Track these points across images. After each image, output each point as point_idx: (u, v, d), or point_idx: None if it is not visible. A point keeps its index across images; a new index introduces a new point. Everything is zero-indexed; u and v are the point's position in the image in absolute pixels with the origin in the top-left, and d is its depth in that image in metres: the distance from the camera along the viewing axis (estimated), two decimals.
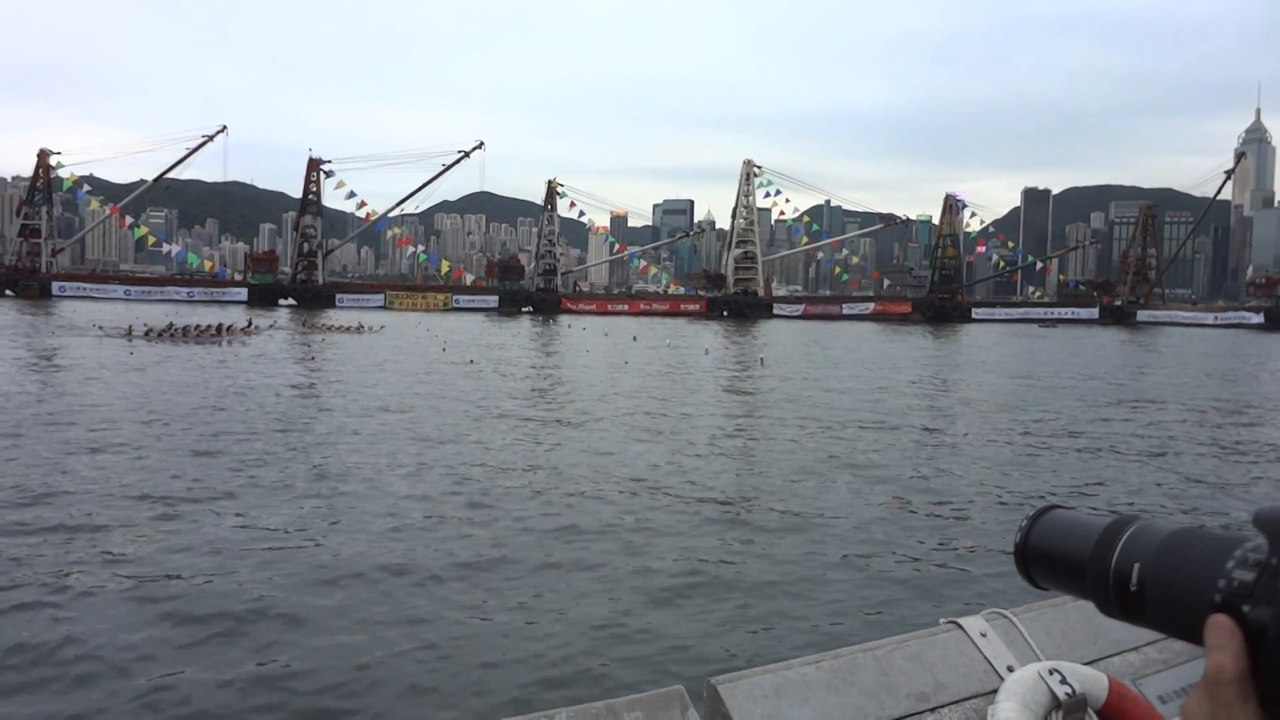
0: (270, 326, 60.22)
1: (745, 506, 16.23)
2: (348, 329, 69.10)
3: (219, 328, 56.80)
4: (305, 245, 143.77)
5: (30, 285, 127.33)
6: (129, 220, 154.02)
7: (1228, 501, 17.62)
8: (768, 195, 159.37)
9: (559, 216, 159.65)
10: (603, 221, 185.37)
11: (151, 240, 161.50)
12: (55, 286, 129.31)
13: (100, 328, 55.92)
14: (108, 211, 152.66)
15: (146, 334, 52.76)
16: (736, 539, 14.04)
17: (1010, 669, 2.05)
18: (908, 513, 15.97)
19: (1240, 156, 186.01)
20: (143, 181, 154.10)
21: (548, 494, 16.79)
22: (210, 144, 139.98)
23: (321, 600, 10.88)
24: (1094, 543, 0.90)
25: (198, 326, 56.40)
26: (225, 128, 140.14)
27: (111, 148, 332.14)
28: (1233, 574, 0.76)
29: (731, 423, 27.12)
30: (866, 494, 17.35)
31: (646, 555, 13.03)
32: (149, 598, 10.81)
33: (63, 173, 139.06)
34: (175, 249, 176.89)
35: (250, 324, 59.10)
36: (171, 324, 55.55)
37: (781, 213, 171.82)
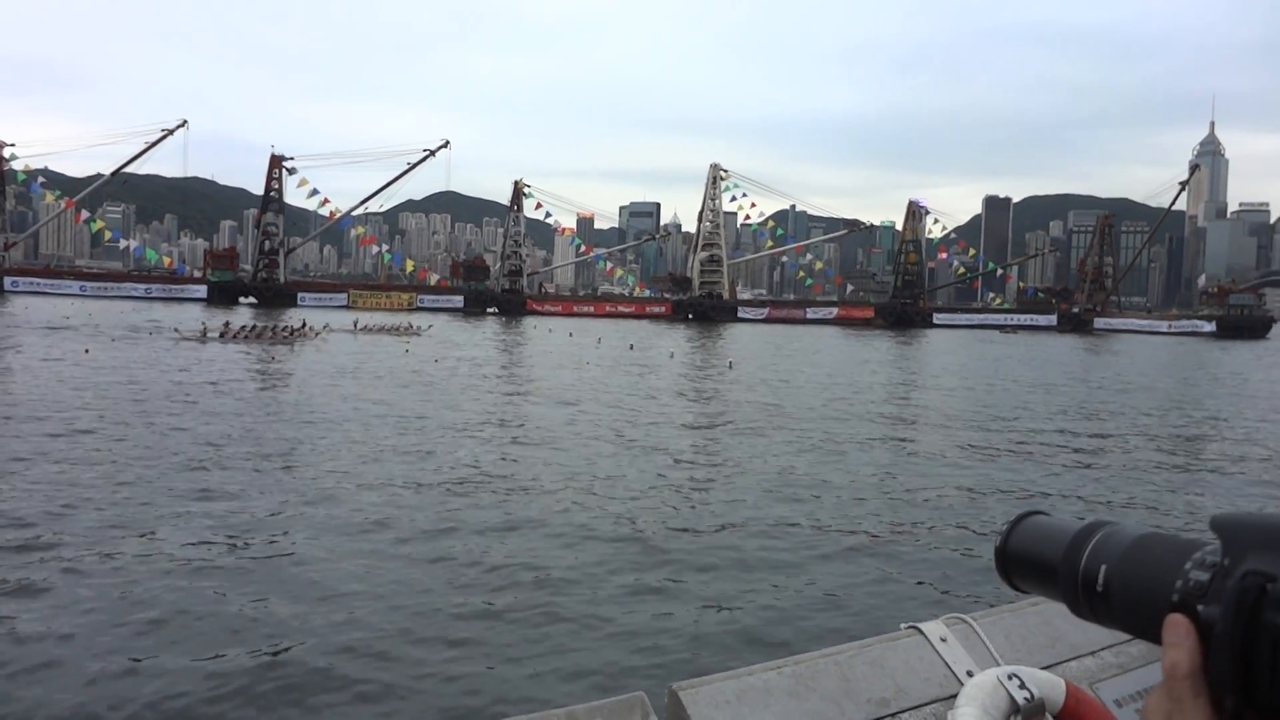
0: (325, 329, 61.21)
1: (708, 512, 16.24)
2: (397, 329, 70.95)
3: (291, 330, 57.22)
4: (267, 243, 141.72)
5: None
6: (85, 215, 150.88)
7: (1195, 505, 17.95)
8: (734, 199, 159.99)
9: (525, 217, 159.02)
10: (569, 223, 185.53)
11: (108, 235, 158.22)
12: (8, 282, 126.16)
13: (177, 330, 56.92)
14: (63, 205, 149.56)
15: (221, 335, 53.29)
16: (699, 544, 14.03)
17: (970, 674, 2.06)
18: (871, 517, 16.07)
19: (1194, 168, 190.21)
20: (100, 175, 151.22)
21: (507, 498, 16.69)
22: (170, 138, 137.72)
23: (278, 608, 10.70)
24: (1065, 547, 0.94)
25: (271, 328, 56.75)
26: (186, 122, 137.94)
27: (68, 140, 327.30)
28: (1190, 575, 0.79)
29: (694, 428, 27.15)
30: (830, 499, 17.44)
31: (607, 561, 12.98)
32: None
33: (16, 165, 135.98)
34: (133, 244, 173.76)
35: (305, 326, 59.07)
36: (244, 325, 55.99)
37: (747, 217, 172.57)
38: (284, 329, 56.52)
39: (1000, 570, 1.05)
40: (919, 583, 12.45)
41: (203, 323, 57.66)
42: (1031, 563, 1.00)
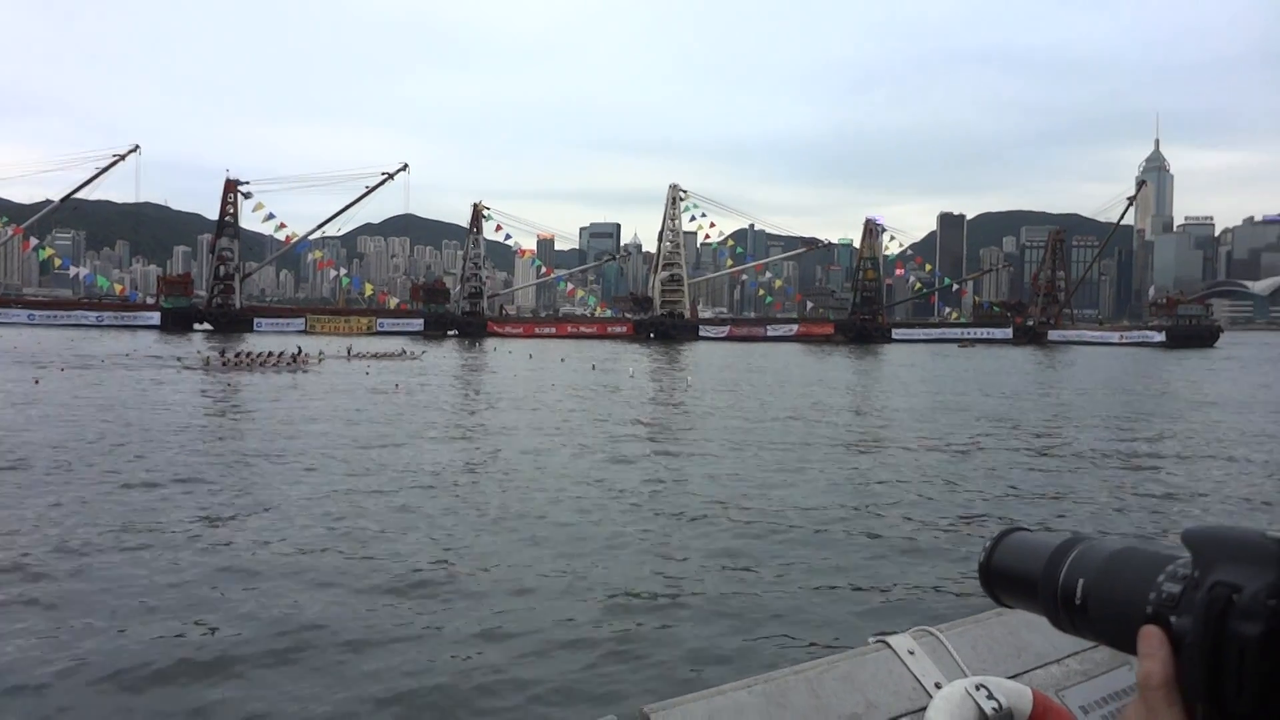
0: (320, 356, 61.18)
1: (677, 532, 16.19)
2: (394, 355, 71.87)
3: (293, 357, 57.86)
4: (222, 268, 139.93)
5: None
6: (34, 242, 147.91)
7: (1167, 520, 18.18)
8: (693, 219, 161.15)
9: (485, 239, 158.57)
10: (529, 245, 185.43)
11: (58, 263, 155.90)
12: None
13: (179, 359, 57.18)
14: (10, 232, 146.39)
15: (224, 363, 53.78)
16: (668, 565, 13.97)
17: (938, 685, 2.08)
18: (839, 530, 16.11)
19: (1141, 184, 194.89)
20: (49, 202, 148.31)
21: (481, 518, 16.51)
22: (121, 164, 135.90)
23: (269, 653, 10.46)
24: (1045, 562, 0.97)
25: (269, 354, 57.30)
26: (137, 147, 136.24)
27: (15, 167, 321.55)
28: (1163, 587, 0.83)
29: (658, 446, 27.12)
30: (793, 514, 17.46)
31: (577, 585, 12.87)
32: None
33: None
34: (83, 271, 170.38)
35: (301, 353, 59.27)
36: (240, 352, 56.79)
37: (707, 236, 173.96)
38: (285, 356, 57.19)
39: (984, 585, 1.08)
40: (885, 596, 12.50)
41: (203, 352, 58.12)
42: (1014, 578, 1.03)
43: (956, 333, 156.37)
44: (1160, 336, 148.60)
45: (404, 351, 75.17)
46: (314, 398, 39.32)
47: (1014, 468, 23.78)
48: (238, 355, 55.79)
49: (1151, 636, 0.80)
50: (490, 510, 17.40)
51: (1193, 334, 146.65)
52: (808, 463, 23.94)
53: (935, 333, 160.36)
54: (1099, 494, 20.35)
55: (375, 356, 69.54)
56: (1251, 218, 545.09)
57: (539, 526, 16.11)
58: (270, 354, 57.15)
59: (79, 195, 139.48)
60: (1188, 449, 28.12)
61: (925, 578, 13.29)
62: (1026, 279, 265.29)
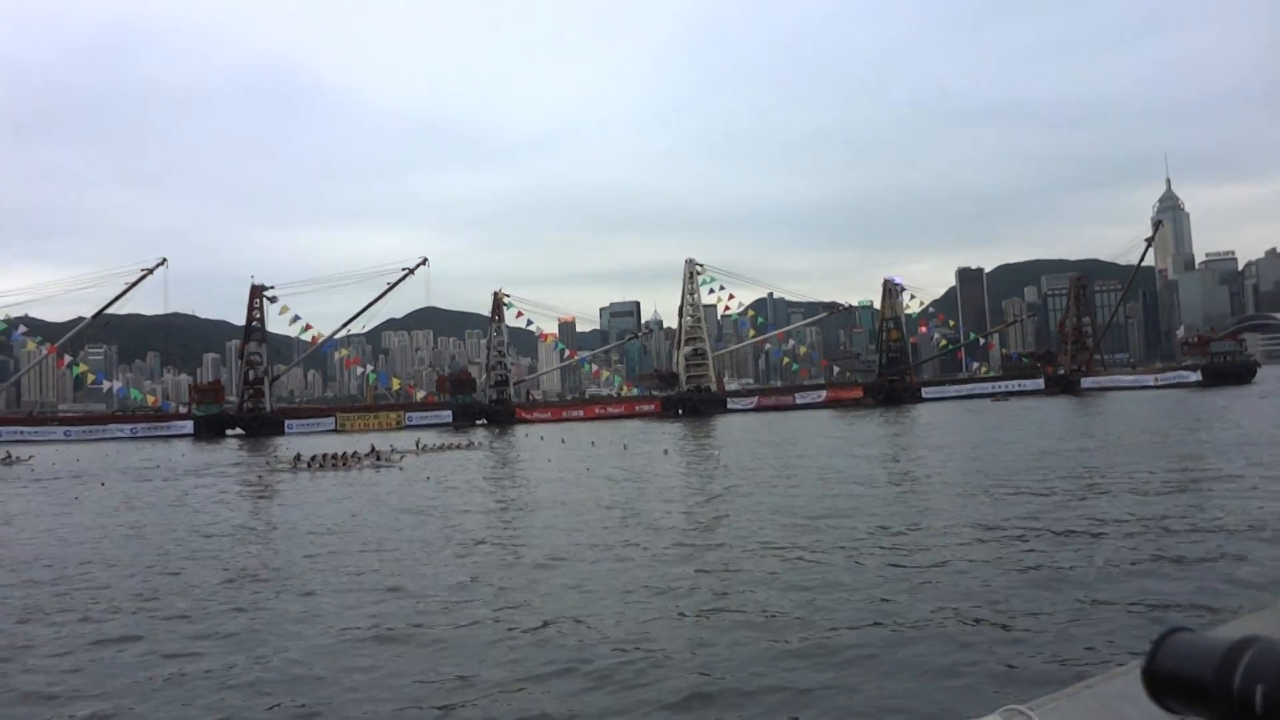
0: (391, 451, 63.16)
1: (743, 618, 15.53)
2: (458, 446, 74.71)
3: (379, 454, 60.06)
4: (251, 373, 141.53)
5: None
6: (67, 359, 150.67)
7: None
8: (712, 291, 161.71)
9: (507, 327, 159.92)
10: (551, 329, 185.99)
11: (90, 378, 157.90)
12: None
13: (268, 462, 59.85)
14: (45, 352, 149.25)
15: (310, 463, 56.20)
16: (735, 651, 13.33)
17: None
18: (910, 609, 15.38)
19: (1158, 224, 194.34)
20: (81, 319, 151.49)
21: (518, 609, 15.96)
22: (150, 277, 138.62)
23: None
24: (1215, 666, 0.89)
25: (353, 454, 59.41)
26: (165, 260, 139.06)
27: (48, 286, 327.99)
28: None
29: (699, 523, 26.46)
30: (859, 592, 16.75)
31: (649, 670, 12.26)
32: None
33: None
34: (116, 385, 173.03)
35: (373, 451, 61.19)
36: (329, 454, 59.03)
37: (726, 308, 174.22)
38: (367, 455, 59.67)
39: (1149, 691, 1.01)
40: (969, 674, 11.78)
41: (297, 454, 59.89)
42: (1182, 684, 0.95)
43: (988, 387, 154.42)
44: (1196, 376, 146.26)
45: (471, 443, 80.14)
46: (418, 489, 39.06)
47: (1092, 528, 22.84)
48: (324, 457, 57.91)
49: None
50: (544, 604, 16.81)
51: (1229, 371, 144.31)
52: (864, 536, 23.16)
53: (966, 388, 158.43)
54: (1192, 558, 18.36)
55: (442, 448, 72.55)
56: (1274, 249, 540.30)
57: (607, 596, 15.52)
58: (356, 454, 59.51)
59: (110, 310, 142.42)
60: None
61: (1009, 652, 12.58)
62: (1052, 328, 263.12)
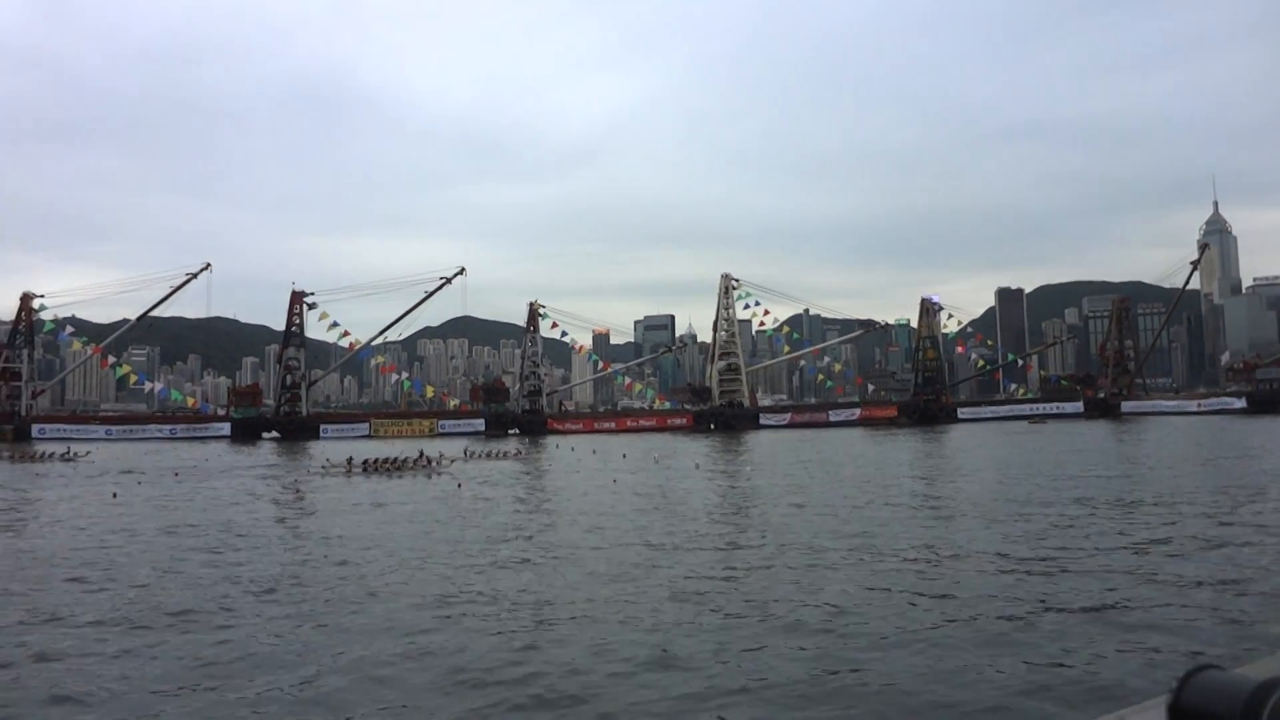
0: (440, 458, 63.68)
1: (797, 647, 15.34)
2: (507, 454, 76.57)
3: (429, 460, 60.97)
4: (288, 377, 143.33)
5: (7, 429, 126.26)
6: (111, 360, 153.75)
7: None
8: (747, 307, 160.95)
9: (541, 337, 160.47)
10: (585, 340, 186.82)
11: (133, 379, 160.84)
12: (35, 429, 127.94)
13: (324, 466, 60.26)
14: (89, 352, 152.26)
15: (364, 467, 57.45)
16: (792, 679, 13.13)
17: None
18: (943, 635, 15.09)
19: (1204, 247, 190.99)
20: (125, 321, 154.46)
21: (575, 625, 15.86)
22: (194, 281, 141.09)
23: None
24: (1242, 705, 0.88)
25: (404, 459, 60.35)
26: (209, 265, 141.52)
27: (95, 288, 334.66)
28: None
29: (725, 549, 26.23)
30: (903, 621, 16.47)
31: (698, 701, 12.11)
32: None
33: (45, 315, 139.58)
34: (158, 386, 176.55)
35: (422, 456, 61.99)
36: (381, 459, 60.24)
37: (761, 323, 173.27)
38: (418, 460, 60.51)
39: None
40: (998, 704, 11.49)
41: (349, 458, 60.67)
42: None
43: (1025, 409, 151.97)
44: (1240, 403, 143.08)
45: (519, 451, 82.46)
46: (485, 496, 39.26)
47: (1142, 562, 22.33)
48: (376, 461, 59.00)
49: None
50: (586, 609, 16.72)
51: (1276, 398, 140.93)
52: (902, 562, 22.81)
53: (1003, 410, 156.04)
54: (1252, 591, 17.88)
55: (489, 456, 74.02)
56: None
57: (643, 613, 15.39)
58: (406, 459, 60.33)
59: (153, 313, 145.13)
60: None
61: (1062, 692, 12.26)
62: (1092, 350, 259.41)
